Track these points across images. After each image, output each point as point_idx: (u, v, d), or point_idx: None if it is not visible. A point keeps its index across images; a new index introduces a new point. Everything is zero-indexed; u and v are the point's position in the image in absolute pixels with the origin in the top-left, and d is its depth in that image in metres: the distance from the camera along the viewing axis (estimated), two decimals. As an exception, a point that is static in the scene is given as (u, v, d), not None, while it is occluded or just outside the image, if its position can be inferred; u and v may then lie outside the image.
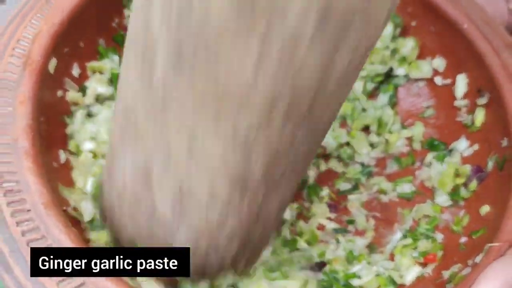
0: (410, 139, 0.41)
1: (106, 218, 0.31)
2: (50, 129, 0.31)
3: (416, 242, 0.37)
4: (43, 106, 0.30)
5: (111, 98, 0.37)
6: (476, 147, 0.38)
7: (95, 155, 0.34)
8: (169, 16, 0.19)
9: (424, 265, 0.35)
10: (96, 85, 0.36)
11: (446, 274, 0.32)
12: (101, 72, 0.37)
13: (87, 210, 0.31)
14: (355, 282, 0.34)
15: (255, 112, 0.20)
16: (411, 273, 0.35)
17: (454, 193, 0.38)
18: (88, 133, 0.34)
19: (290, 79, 0.19)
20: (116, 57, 0.38)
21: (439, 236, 0.36)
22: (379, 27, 0.21)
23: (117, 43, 0.38)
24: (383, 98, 0.43)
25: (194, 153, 0.22)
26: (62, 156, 0.32)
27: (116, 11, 0.38)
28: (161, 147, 0.23)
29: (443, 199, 0.38)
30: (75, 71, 0.35)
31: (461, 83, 0.39)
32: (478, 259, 0.30)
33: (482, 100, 0.37)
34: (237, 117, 0.20)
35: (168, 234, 0.27)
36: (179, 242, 0.27)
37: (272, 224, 0.31)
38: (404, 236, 0.37)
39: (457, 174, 0.38)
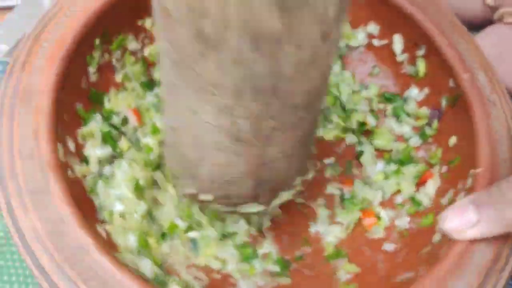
0: (369, 99, 0.47)
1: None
2: (84, 211, 0.33)
3: (402, 170, 0.44)
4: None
5: (114, 156, 0.39)
6: (426, 91, 0.44)
7: (123, 216, 0.37)
8: (168, 42, 0.27)
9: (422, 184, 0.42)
10: (95, 150, 0.38)
11: (444, 200, 0.40)
12: (92, 136, 0.39)
13: (147, 267, 0.34)
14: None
15: (228, 95, 0.27)
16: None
17: (421, 133, 0.45)
18: (113, 197, 0.37)
19: (246, 75, 0.26)
20: (98, 116, 0.40)
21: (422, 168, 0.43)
22: (315, 43, 0.25)
23: (94, 102, 0.40)
24: (335, 67, 0.48)
25: (195, 119, 0.30)
26: (103, 232, 0.35)
27: (82, 71, 0.39)
28: (177, 115, 0.32)
29: (414, 141, 0.45)
30: (71, 146, 0.37)
31: (398, 41, 0.45)
32: (469, 182, 0.37)
33: (420, 52, 0.44)
34: (216, 98, 0.28)
35: (195, 171, 0.34)
36: (204, 176, 0.34)
37: (282, 169, 0.35)
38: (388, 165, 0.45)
39: (418, 117, 0.45)
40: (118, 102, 0.41)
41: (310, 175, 0.41)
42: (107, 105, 0.40)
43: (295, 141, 0.33)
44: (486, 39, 0.55)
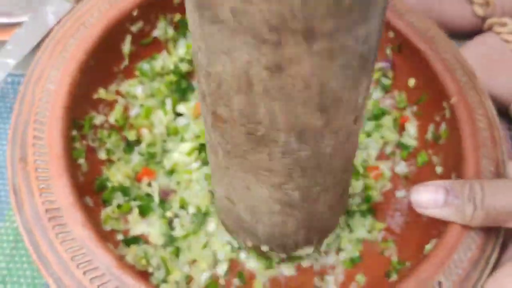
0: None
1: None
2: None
3: (380, 124, 0.47)
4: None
5: None
6: (369, 47, 0.48)
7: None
8: (219, 137, 0.30)
9: (402, 128, 0.46)
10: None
11: (428, 135, 0.44)
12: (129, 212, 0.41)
13: None
14: None
15: (280, 176, 0.31)
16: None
17: (381, 86, 0.48)
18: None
19: (294, 162, 0.29)
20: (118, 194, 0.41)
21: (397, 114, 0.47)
22: (349, 127, 0.29)
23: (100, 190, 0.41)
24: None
25: (250, 193, 0.33)
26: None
27: (76, 168, 0.39)
28: (231, 189, 0.34)
29: (377, 94, 0.48)
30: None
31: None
32: (447, 113, 0.41)
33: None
34: (270, 179, 0.31)
35: (252, 229, 0.37)
36: (260, 233, 0.37)
37: (328, 217, 0.38)
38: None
39: (371, 73, 0.49)
40: (116, 175, 0.41)
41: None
42: (110, 183, 0.41)
43: (338, 196, 0.35)
44: (475, 48, 0.56)
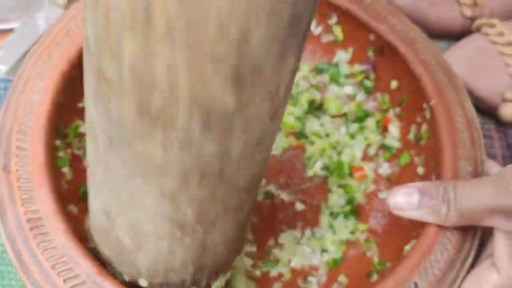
0: (305, 78, 0.51)
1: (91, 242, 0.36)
2: None
3: (363, 126, 0.48)
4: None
5: None
6: (351, 50, 0.49)
7: None
8: (102, 114, 0.24)
9: (385, 130, 0.47)
10: None
11: (411, 135, 0.45)
12: None
13: None
14: None
15: (174, 180, 0.26)
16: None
17: (364, 88, 0.49)
18: None
19: (194, 159, 0.25)
20: None
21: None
22: (263, 122, 0.25)
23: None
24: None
25: (134, 203, 0.28)
26: None
27: (60, 176, 0.39)
28: (112, 197, 0.29)
29: (360, 96, 0.49)
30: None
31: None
32: (427, 114, 0.42)
33: (332, 21, 0.48)
34: (160, 183, 0.26)
35: (132, 258, 0.33)
36: (141, 264, 0.33)
37: (222, 253, 0.34)
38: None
39: (354, 75, 0.49)
40: None
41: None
42: None
43: (236, 224, 0.32)
44: (462, 49, 0.56)
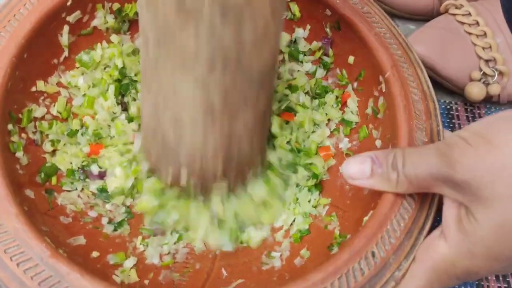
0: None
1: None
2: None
3: (323, 102, 0.48)
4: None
5: None
6: (309, 27, 0.49)
7: None
8: (152, 20, 0.32)
9: (344, 105, 0.48)
10: None
11: (369, 109, 0.45)
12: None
13: None
14: None
15: (204, 66, 0.32)
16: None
17: (322, 64, 0.49)
18: None
19: (218, 45, 0.31)
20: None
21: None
22: (266, 15, 0.31)
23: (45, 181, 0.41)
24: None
25: (176, 95, 0.35)
26: None
27: (14, 161, 0.39)
28: (159, 93, 0.36)
29: (319, 72, 0.49)
30: None
31: None
32: (383, 87, 0.42)
33: None
34: (194, 69, 0.33)
35: (175, 151, 0.38)
36: (182, 156, 0.38)
37: (246, 148, 0.39)
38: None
39: (313, 52, 0.49)
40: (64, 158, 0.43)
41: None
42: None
43: (255, 119, 0.37)
44: (431, 30, 0.57)
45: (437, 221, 0.38)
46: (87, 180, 0.43)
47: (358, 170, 0.35)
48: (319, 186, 0.45)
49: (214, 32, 0.31)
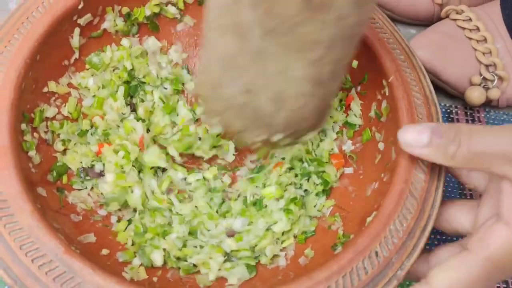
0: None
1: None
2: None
3: None
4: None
5: None
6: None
7: None
8: (261, 14, 0.31)
9: (348, 108, 0.48)
10: None
11: (371, 113, 0.46)
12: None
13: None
14: None
15: (323, 48, 0.32)
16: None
17: None
18: None
19: (340, 31, 0.32)
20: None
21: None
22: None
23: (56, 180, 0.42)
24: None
25: (283, 75, 0.34)
26: None
27: (27, 160, 0.39)
28: (258, 76, 0.34)
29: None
30: None
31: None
32: (386, 90, 0.43)
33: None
34: (313, 53, 0.33)
35: (271, 119, 0.37)
36: (280, 122, 0.37)
37: (325, 107, 0.40)
38: None
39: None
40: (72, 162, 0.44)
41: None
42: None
43: (336, 86, 0.38)
44: (431, 35, 0.58)
45: (437, 221, 0.39)
46: (87, 178, 0.44)
47: (416, 137, 0.35)
48: (328, 191, 0.46)
49: (339, 20, 0.31)
